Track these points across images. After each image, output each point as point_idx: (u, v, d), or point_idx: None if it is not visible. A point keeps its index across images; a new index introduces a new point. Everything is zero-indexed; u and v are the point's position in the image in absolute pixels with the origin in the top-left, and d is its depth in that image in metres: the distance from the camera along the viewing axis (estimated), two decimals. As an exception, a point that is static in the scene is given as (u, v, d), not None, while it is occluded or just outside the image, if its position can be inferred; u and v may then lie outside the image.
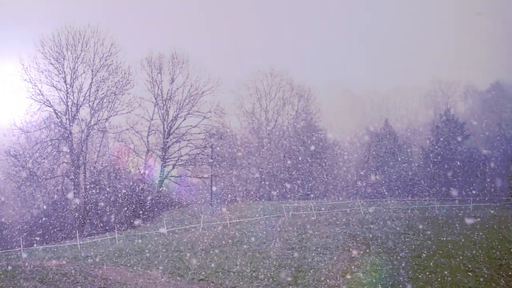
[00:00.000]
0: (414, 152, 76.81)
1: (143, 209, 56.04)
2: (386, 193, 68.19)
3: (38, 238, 49.82)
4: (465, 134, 73.62)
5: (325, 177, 72.42)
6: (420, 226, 44.85)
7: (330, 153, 75.74)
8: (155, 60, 61.14)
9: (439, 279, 31.31)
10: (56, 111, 53.96)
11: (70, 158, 54.13)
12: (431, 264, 33.85)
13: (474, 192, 65.10)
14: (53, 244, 43.50)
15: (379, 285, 30.41)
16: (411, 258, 35.25)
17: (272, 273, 32.21)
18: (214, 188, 62.56)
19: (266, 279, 31.21)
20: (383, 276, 31.83)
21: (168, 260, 34.48)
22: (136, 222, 53.40)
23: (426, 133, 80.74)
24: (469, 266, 33.67)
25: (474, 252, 36.07)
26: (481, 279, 31.50)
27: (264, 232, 41.99)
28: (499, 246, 37.83)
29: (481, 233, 41.33)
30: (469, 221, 47.43)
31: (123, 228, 51.68)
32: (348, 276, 31.61)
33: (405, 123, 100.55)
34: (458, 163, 70.70)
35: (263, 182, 70.64)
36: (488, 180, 68.65)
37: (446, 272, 32.39)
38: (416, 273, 32.27)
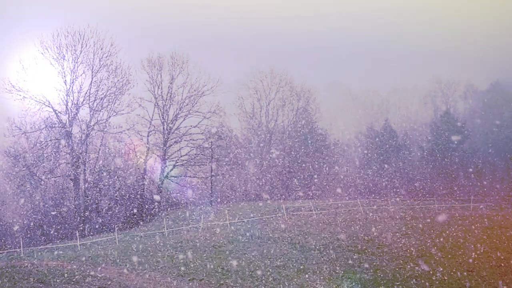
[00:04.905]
0: (414, 152, 76.81)
1: (143, 209, 56.02)
2: (386, 192, 68.16)
3: (38, 238, 49.79)
4: (465, 134, 73.60)
5: (326, 176, 72.37)
6: (420, 226, 44.91)
7: (330, 152, 75.74)
8: (155, 60, 61.09)
9: (440, 278, 31.31)
10: (56, 112, 53.91)
11: (70, 158, 54.05)
12: (432, 263, 33.86)
13: (473, 191, 65.12)
14: (53, 244, 43.46)
15: (381, 284, 30.40)
16: (411, 257, 35.27)
17: (273, 272, 32.20)
18: (214, 189, 62.53)
19: (266, 279, 31.20)
20: (384, 275, 31.83)
21: (168, 260, 34.46)
22: (136, 222, 53.38)
23: (426, 133, 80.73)
24: (469, 265, 33.68)
25: (474, 251, 36.09)
26: (481, 278, 31.50)
27: (264, 233, 41.98)
28: (499, 245, 37.86)
29: (481, 233, 41.35)
30: (468, 220, 47.50)
31: (123, 228, 51.63)
32: (349, 276, 31.60)
33: (405, 123, 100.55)
34: (458, 164, 70.70)
35: (263, 182, 70.61)
36: (487, 179, 68.65)
37: (446, 271, 32.40)
38: (416, 272, 32.28)
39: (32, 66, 52.39)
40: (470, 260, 34.93)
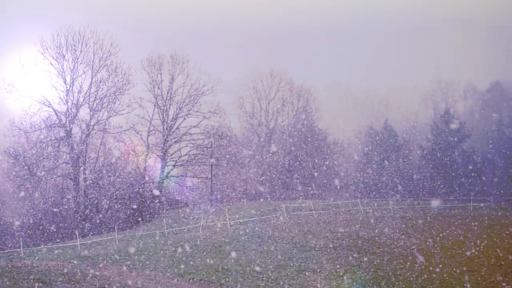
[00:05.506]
0: (414, 152, 76.84)
1: (143, 209, 56.00)
2: (386, 192, 68.19)
3: (38, 238, 49.77)
4: (465, 134, 73.60)
5: (326, 176, 72.40)
6: (421, 225, 44.92)
7: (330, 152, 75.77)
8: (155, 60, 61.10)
9: (440, 277, 31.29)
10: (56, 112, 53.90)
11: (70, 158, 54.04)
12: (432, 262, 33.84)
13: (473, 191, 65.16)
14: (53, 244, 43.47)
15: (382, 283, 30.38)
16: (412, 256, 35.26)
17: (273, 271, 32.19)
18: (214, 188, 62.53)
19: (266, 278, 31.19)
20: (385, 274, 31.81)
21: (168, 260, 34.46)
22: (136, 221, 53.38)
23: (426, 132, 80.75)
24: (469, 265, 33.67)
25: (474, 250, 36.07)
26: (481, 277, 31.48)
27: (264, 232, 41.97)
28: (499, 244, 37.87)
29: (480, 232, 41.34)
30: (468, 220, 47.52)
31: (123, 227, 51.63)
32: (350, 275, 31.58)
33: (405, 123, 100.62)
34: (458, 163, 70.70)
35: (263, 181, 70.60)
36: (487, 179, 68.67)
37: (446, 269, 32.39)
38: (416, 272, 32.27)
39: (32, 66, 52.40)
40: (469, 255, 34.95)
